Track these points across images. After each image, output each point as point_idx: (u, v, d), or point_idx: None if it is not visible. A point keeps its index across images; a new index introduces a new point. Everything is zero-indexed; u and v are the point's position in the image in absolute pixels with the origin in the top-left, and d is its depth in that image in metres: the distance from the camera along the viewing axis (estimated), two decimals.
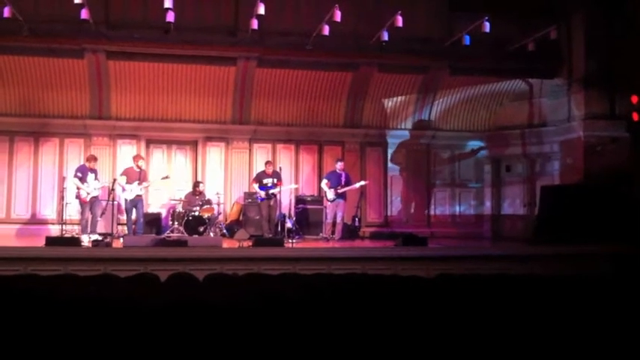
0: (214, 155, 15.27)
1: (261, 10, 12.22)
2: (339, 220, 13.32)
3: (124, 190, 12.55)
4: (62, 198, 12.54)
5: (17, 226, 14.27)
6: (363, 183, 13.84)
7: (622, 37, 14.23)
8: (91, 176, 12.17)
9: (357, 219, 14.53)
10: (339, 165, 13.62)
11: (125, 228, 13.13)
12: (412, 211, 15.96)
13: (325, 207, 13.83)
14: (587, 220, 12.13)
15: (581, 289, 4.97)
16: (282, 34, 13.95)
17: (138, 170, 12.64)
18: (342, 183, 13.33)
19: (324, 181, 13.59)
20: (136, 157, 12.99)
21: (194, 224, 12.64)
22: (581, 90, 14.40)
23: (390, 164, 16.05)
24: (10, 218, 14.40)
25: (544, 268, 9.08)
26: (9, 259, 8.56)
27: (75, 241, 10.06)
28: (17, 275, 5.85)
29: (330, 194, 13.28)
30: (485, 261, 9.71)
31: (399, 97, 15.71)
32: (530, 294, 4.68)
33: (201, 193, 13.52)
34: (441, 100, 15.93)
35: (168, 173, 13.75)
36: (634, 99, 13.29)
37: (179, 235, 12.29)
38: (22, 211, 14.48)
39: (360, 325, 3.64)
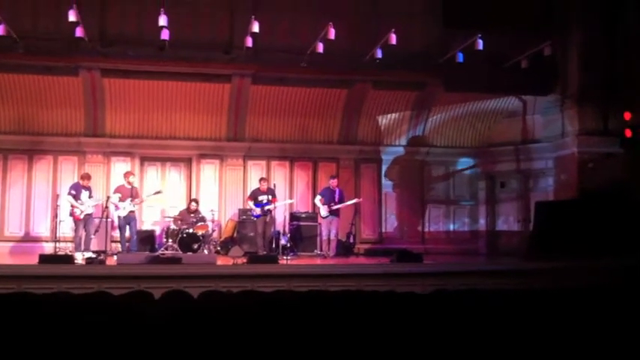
0: (209, 172, 15.26)
1: (256, 27, 12.29)
2: (332, 236, 13.30)
3: (117, 208, 12.51)
4: (56, 215, 12.52)
5: (11, 244, 14.19)
6: (356, 200, 13.81)
7: (616, 53, 14.34)
8: (84, 194, 12.16)
9: (351, 235, 14.49)
10: (333, 182, 13.64)
11: (119, 245, 13.07)
12: (407, 227, 15.95)
13: (320, 224, 13.81)
14: (582, 235, 12.15)
15: (577, 303, 4.96)
16: (277, 51, 14.03)
17: (129, 187, 12.65)
18: (336, 200, 13.32)
19: (318, 198, 13.61)
20: (127, 174, 12.98)
21: (188, 241, 12.59)
22: (575, 106, 14.46)
23: (384, 181, 16.06)
24: (4, 236, 14.33)
25: (540, 282, 9.07)
26: (2, 277, 8.50)
27: (68, 259, 10.01)
28: (11, 293, 5.80)
29: (324, 211, 13.28)
30: (481, 276, 9.68)
31: (394, 114, 15.75)
32: (527, 309, 4.67)
33: (195, 210, 13.48)
34: (435, 116, 15.98)
35: (160, 188, 13.71)
36: (627, 115, 13.37)
37: (173, 252, 12.24)
38: (15, 229, 14.42)
39: (357, 342, 3.62)
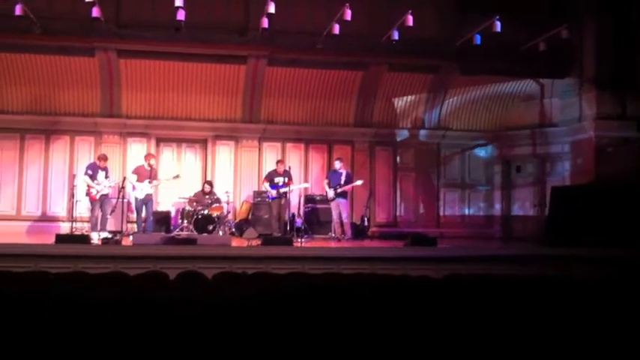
0: (224, 154, 15.29)
1: (272, 8, 12.21)
2: (344, 219, 13.23)
3: (134, 188, 12.56)
4: (72, 196, 12.60)
5: (28, 224, 14.35)
6: (356, 183, 13.56)
7: (634, 37, 14.15)
8: (101, 174, 12.22)
9: (365, 219, 14.49)
10: (338, 164, 13.55)
11: (135, 226, 13.16)
12: (422, 211, 15.92)
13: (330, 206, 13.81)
14: (598, 221, 12.05)
15: (592, 291, 4.94)
16: (293, 33, 13.94)
17: (148, 169, 12.67)
18: (341, 182, 13.25)
19: (325, 181, 13.60)
20: (148, 156, 13.01)
21: (203, 223, 12.66)
22: (593, 90, 14.32)
23: (399, 164, 16.01)
24: (21, 215, 14.50)
25: (555, 269, 9.03)
26: (19, 256, 8.60)
27: (85, 239, 10.11)
28: (27, 272, 5.88)
29: (330, 193, 13.26)
30: (495, 262, 9.65)
31: (409, 97, 15.67)
32: (541, 295, 4.66)
33: (210, 192, 13.53)
34: (451, 99, 15.88)
35: (178, 172, 13.75)
36: None
37: (188, 233, 12.33)
38: (32, 209, 14.57)
39: (369, 325, 3.63)
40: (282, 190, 12.97)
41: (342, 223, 13.22)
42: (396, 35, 13.06)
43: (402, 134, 15.97)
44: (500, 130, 16.32)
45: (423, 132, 16.02)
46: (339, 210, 13.20)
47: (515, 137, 16.03)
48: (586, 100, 14.57)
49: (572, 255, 9.96)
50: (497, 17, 12.82)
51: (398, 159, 16.01)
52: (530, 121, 15.93)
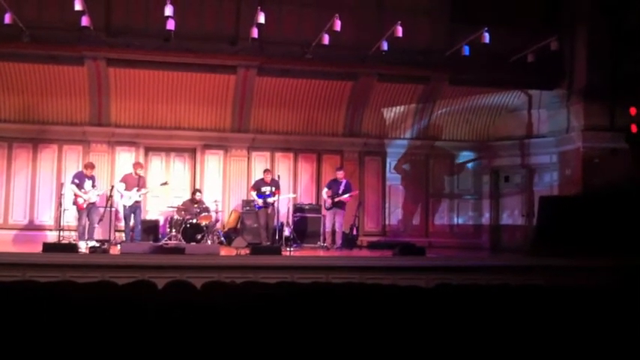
0: (213, 163, 15.26)
1: (262, 19, 12.26)
2: (337, 229, 13.27)
3: (122, 197, 12.55)
4: (60, 204, 12.54)
5: (14, 232, 14.23)
6: (351, 194, 13.46)
7: (623, 49, 14.28)
8: (88, 183, 12.19)
9: (355, 228, 14.48)
10: (339, 173, 13.60)
11: (123, 235, 13.11)
12: (411, 220, 15.93)
13: (324, 216, 13.84)
14: (586, 231, 12.11)
15: (580, 301, 4.96)
16: (283, 43, 14.00)
17: (136, 177, 12.66)
18: (339, 192, 13.27)
19: (325, 190, 13.59)
20: (136, 165, 13.02)
21: (192, 232, 12.61)
22: (581, 101, 14.42)
23: (388, 174, 16.04)
24: (8, 224, 14.38)
25: (543, 279, 9.07)
26: (6, 265, 8.54)
27: (72, 248, 10.05)
28: (15, 281, 5.82)
29: (328, 202, 13.29)
30: (484, 271, 9.68)
31: (399, 107, 15.72)
32: (529, 304, 4.67)
33: (199, 201, 13.50)
34: (440, 110, 15.94)
35: (166, 179, 13.73)
36: (632, 111, 13.32)
37: (176, 242, 12.28)
38: (19, 217, 14.46)
39: (358, 334, 3.62)
40: (268, 200, 12.95)
41: (334, 233, 13.23)
42: (385, 46, 13.11)
43: (392, 144, 16.00)
44: (488, 140, 16.40)
45: (412, 142, 16.06)
46: (334, 219, 13.20)
47: (504, 148, 16.11)
48: (573, 112, 14.67)
49: (560, 265, 10.01)
50: (486, 29, 12.91)
51: (387, 169, 16.03)
52: (517, 131, 16.03)
